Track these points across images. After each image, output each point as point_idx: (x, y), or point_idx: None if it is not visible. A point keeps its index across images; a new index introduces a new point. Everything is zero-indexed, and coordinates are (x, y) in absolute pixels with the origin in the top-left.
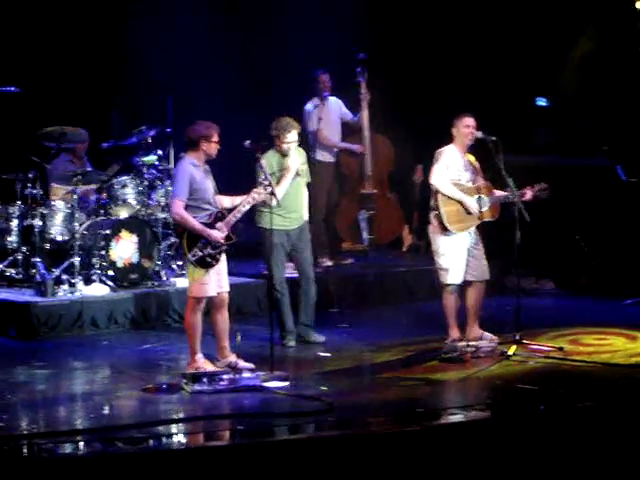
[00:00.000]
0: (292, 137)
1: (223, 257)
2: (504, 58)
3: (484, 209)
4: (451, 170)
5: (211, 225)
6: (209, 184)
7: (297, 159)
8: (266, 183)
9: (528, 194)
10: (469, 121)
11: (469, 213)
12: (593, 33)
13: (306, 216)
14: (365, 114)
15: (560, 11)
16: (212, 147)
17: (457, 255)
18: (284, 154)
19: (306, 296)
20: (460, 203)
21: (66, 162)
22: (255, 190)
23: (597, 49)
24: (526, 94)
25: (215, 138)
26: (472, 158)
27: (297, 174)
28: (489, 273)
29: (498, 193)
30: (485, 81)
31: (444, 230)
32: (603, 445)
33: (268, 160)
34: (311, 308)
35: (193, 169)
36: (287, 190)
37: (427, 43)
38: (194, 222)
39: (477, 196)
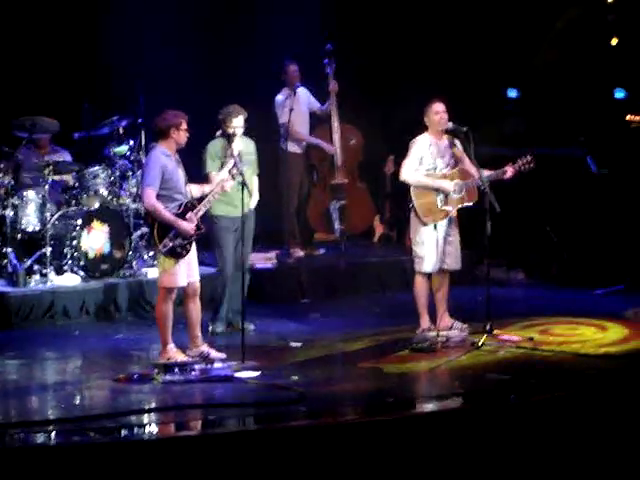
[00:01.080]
0: (238, 122)
1: (193, 247)
2: (475, 48)
3: (460, 194)
4: (425, 159)
5: (181, 215)
6: (180, 173)
7: (240, 144)
8: (234, 172)
9: (509, 171)
10: (438, 107)
11: (442, 203)
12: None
13: (253, 205)
14: (333, 105)
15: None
16: (182, 135)
17: (434, 244)
18: (230, 139)
19: (238, 283)
20: (436, 190)
21: (31, 152)
22: (224, 179)
23: (567, 39)
24: (496, 85)
25: (184, 126)
26: (454, 141)
27: (242, 161)
28: (461, 263)
29: (475, 176)
30: (456, 71)
31: (422, 221)
32: (573, 435)
33: (214, 145)
34: (238, 295)
35: (165, 159)
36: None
37: (398, 32)
38: (165, 212)
39: (454, 182)
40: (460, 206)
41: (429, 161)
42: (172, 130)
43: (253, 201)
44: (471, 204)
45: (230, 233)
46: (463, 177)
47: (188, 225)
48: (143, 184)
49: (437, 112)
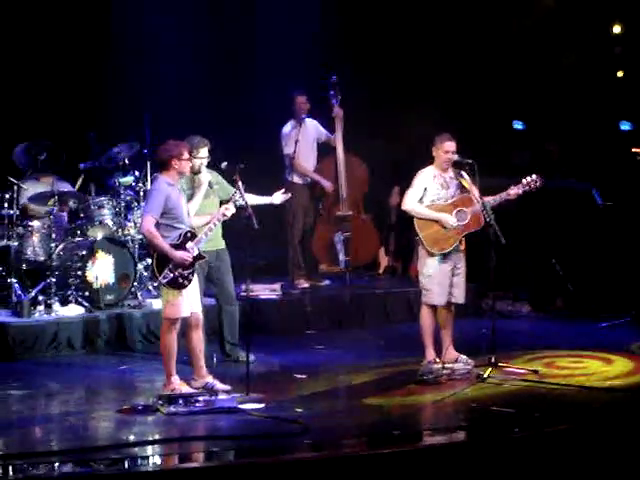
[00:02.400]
0: (203, 153)
1: (195, 277)
2: (482, 80)
3: (465, 222)
4: (430, 190)
5: (180, 245)
6: (183, 203)
7: (208, 176)
8: (238, 200)
9: (513, 191)
10: (450, 147)
11: (449, 230)
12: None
13: (221, 238)
14: (339, 135)
15: (539, 35)
16: (183, 165)
17: (442, 277)
18: (195, 171)
19: (231, 316)
20: (437, 222)
21: (36, 182)
22: (225, 206)
23: (574, 73)
24: (504, 117)
25: (186, 156)
26: (460, 173)
27: (209, 191)
28: (466, 297)
29: (478, 203)
30: (463, 104)
31: (430, 252)
32: (578, 468)
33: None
34: (236, 327)
35: (169, 188)
36: (199, 211)
37: (404, 63)
38: (161, 241)
39: (456, 210)
40: (467, 232)
41: (434, 192)
42: (174, 161)
43: (219, 233)
44: (478, 229)
45: (205, 268)
46: (467, 205)
47: (183, 254)
48: (144, 210)
49: (447, 152)
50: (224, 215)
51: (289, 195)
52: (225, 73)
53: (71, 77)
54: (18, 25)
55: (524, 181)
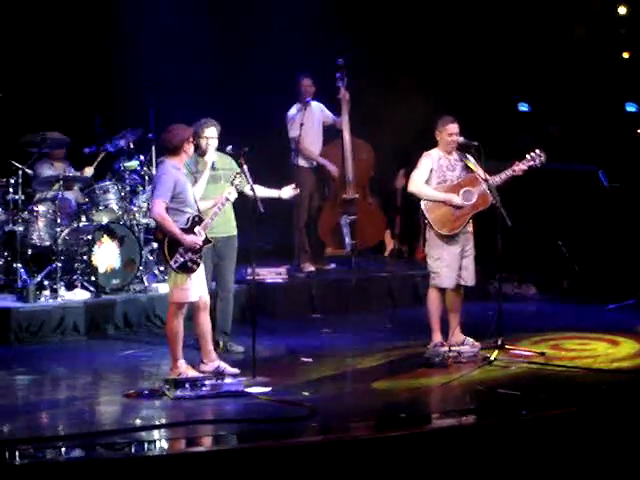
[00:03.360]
0: (210, 133)
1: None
2: (487, 62)
3: (472, 202)
4: (435, 172)
5: (189, 230)
6: (189, 187)
7: (214, 156)
8: (240, 184)
9: (518, 167)
10: (453, 129)
11: (459, 209)
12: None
13: (234, 225)
14: (345, 119)
15: (543, 16)
16: (191, 148)
17: (451, 259)
18: (201, 153)
19: (227, 304)
20: (444, 202)
21: (46, 167)
22: (227, 190)
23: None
24: (508, 99)
25: (192, 139)
26: (465, 155)
27: (219, 175)
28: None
29: (485, 183)
30: (468, 86)
31: (439, 234)
32: (585, 450)
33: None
34: (229, 316)
35: (177, 172)
36: (208, 195)
37: (410, 48)
38: (173, 225)
39: (462, 190)
40: (475, 212)
41: (439, 174)
42: (185, 144)
43: (233, 221)
44: (486, 208)
45: (208, 254)
46: (473, 184)
47: (193, 238)
48: (154, 195)
49: (451, 134)
50: (227, 199)
51: (298, 191)
52: (227, 55)
53: (76, 62)
54: (25, 11)
55: (528, 156)
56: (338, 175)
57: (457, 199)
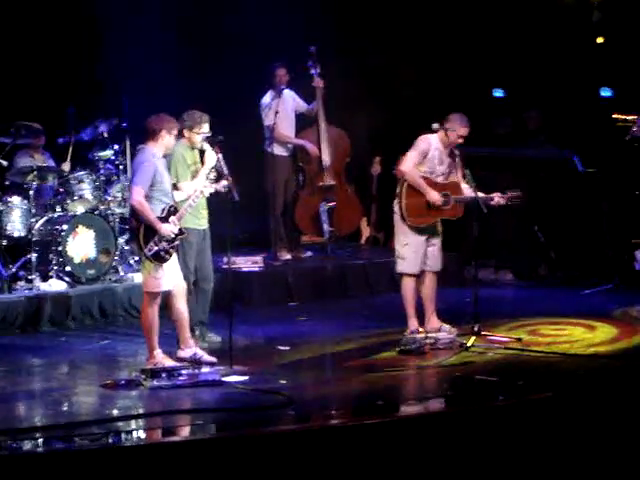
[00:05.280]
0: (206, 129)
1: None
2: (461, 49)
3: (447, 207)
4: (428, 160)
5: (164, 219)
6: (167, 177)
7: (214, 156)
8: (212, 178)
9: (495, 199)
10: (465, 132)
11: (430, 208)
12: None
13: (207, 219)
14: (320, 104)
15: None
16: (171, 141)
17: (417, 246)
18: (194, 147)
19: (205, 295)
20: (424, 196)
21: (24, 157)
22: (203, 184)
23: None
24: (484, 85)
25: (175, 132)
26: (454, 151)
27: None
28: (443, 264)
29: (466, 193)
30: (442, 72)
31: (403, 220)
32: (562, 436)
33: (180, 153)
34: (208, 306)
35: (156, 160)
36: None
37: (384, 33)
38: (150, 213)
39: (442, 193)
40: (442, 217)
41: (430, 164)
42: (163, 132)
43: None
44: (453, 219)
45: (194, 246)
46: (454, 192)
47: (169, 227)
48: (133, 182)
49: (461, 137)
50: (202, 193)
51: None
52: (198, 43)
53: (48, 52)
54: None
55: (509, 194)
56: (316, 157)
57: (437, 198)
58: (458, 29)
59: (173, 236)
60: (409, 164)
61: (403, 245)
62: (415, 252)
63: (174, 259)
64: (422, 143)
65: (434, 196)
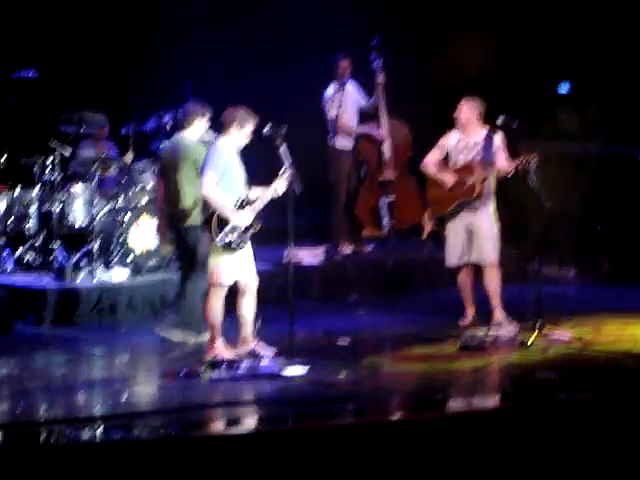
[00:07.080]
0: (251, 127)
1: (248, 244)
2: (525, 42)
3: (466, 183)
4: (452, 152)
5: (238, 209)
6: (241, 169)
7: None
8: (284, 174)
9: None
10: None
11: (450, 191)
12: None
13: None
14: (381, 98)
15: None
16: (242, 137)
17: (454, 238)
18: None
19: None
20: (441, 185)
21: (88, 147)
22: (277, 182)
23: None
24: (550, 80)
25: (248, 129)
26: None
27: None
28: (494, 256)
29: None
30: (504, 65)
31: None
32: (622, 435)
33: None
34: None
35: (229, 152)
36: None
37: (446, 26)
38: (223, 202)
39: (458, 176)
40: (462, 199)
41: (453, 153)
42: (234, 126)
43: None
44: (469, 200)
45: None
46: (469, 173)
47: (244, 218)
48: (204, 172)
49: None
50: (275, 190)
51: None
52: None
53: (114, 43)
54: None
55: (522, 157)
56: (382, 140)
57: (449, 179)
58: (525, 24)
59: (246, 226)
60: (426, 160)
61: (446, 239)
62: (450, 244)
63: (248, 254)
64: (440, 140)
65: (444, 178)
